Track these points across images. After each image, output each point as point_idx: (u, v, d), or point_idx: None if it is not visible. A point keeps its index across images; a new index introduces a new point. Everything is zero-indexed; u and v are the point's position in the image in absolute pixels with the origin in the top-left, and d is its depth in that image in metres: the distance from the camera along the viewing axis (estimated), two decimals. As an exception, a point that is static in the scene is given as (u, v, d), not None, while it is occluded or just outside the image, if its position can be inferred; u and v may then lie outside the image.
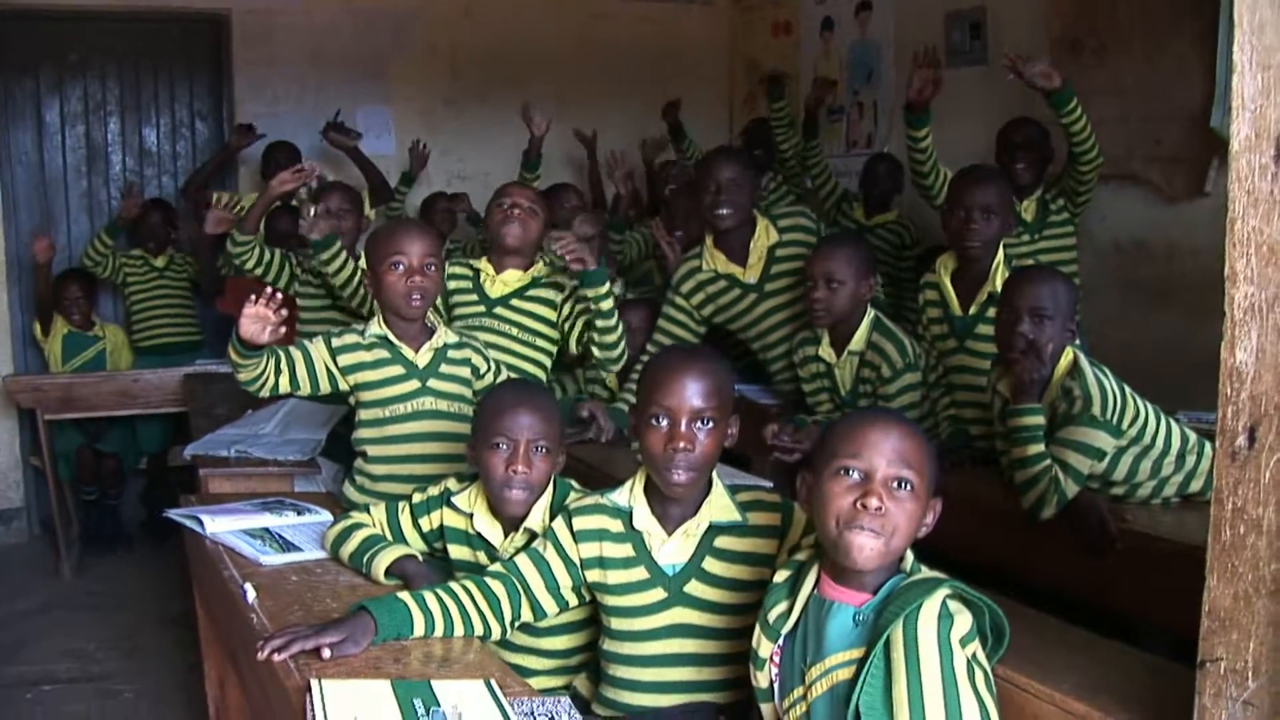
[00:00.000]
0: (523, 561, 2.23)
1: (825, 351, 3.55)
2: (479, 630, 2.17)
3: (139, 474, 5.76)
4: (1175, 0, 4.07)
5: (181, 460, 4.15)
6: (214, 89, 6.14)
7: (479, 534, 2.43)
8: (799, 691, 1.80)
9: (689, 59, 6.66)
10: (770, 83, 5.46)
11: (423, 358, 2.96)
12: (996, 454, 3.07)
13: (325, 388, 2.98)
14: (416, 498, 2.54)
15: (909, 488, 1.74)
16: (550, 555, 2.22)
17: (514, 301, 3.50)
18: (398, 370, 2.95)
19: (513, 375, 3.19)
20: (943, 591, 1.70)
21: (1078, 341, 2.95)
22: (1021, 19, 4.70)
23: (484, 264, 3.53)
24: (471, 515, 2.44)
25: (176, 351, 5.55)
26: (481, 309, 3.52)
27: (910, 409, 3.40)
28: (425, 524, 2.51)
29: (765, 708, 1.89)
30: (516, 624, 2.24)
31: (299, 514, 2.85)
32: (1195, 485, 2.89)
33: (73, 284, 5.46)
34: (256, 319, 2.69)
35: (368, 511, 2.57)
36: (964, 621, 1.69)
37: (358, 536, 2.46)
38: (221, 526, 2.71)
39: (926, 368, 3.50)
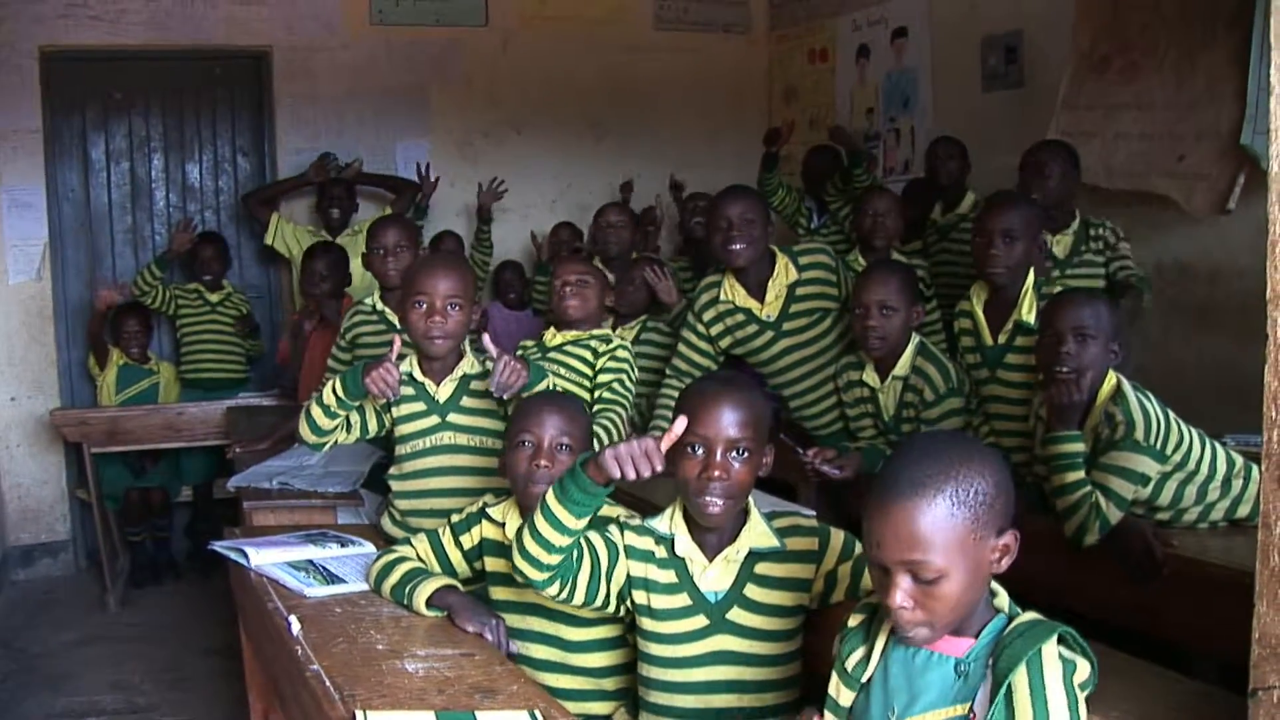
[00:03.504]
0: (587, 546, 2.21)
1: (869, 376, 3.54)
2: (560, 576, 2.13)
3: (184, 506, 5.81)
4: (1208, 18, 4.05)
5: (226, 493, 4.17)
6: (256, 125, 6.22)
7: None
8: None
9: (725, 88, 6.68)
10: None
11: (444, 390, 2.98)
12: (1039, 480, 3.05)
13: (374, 428, 3.03)
14: (455, 518, 2.57)
15: (940, 578, 1.57)
16: (602, 549, 2.20)
17: (567, 347, 3.62)
18: (419, 406, 2.99)
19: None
20: (1055, 636, 1.60)
21: (1120, 358, 2.92)
22: (1058, 42, 4.69)
23: (549, 331, 3.75)
24: (504, 525, 2.46)
25: (221, 387, 5.62)
26: (537, 353, 3.65)
27: (952, 435, 3.39)
28: (466, 541, 2.53)
29: None
30: (566, 590, 2.16)
31: (342, 546, 2.85)
32: (1243, 510, 2.86)
33: (131, 318, 5.55)
34: (389, 375, 2.80)
35: (410, 544, 2.58)
36: (1084, 667, 1.60)
37: (400, 570, 2.47)
38: (266, 559, 2.72)
39: (969, 394, 3.48)
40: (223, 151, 6.25)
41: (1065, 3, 4.62)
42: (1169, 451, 2.76)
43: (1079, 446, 2.80)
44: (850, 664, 1.75)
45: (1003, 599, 1.69)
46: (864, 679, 1.73)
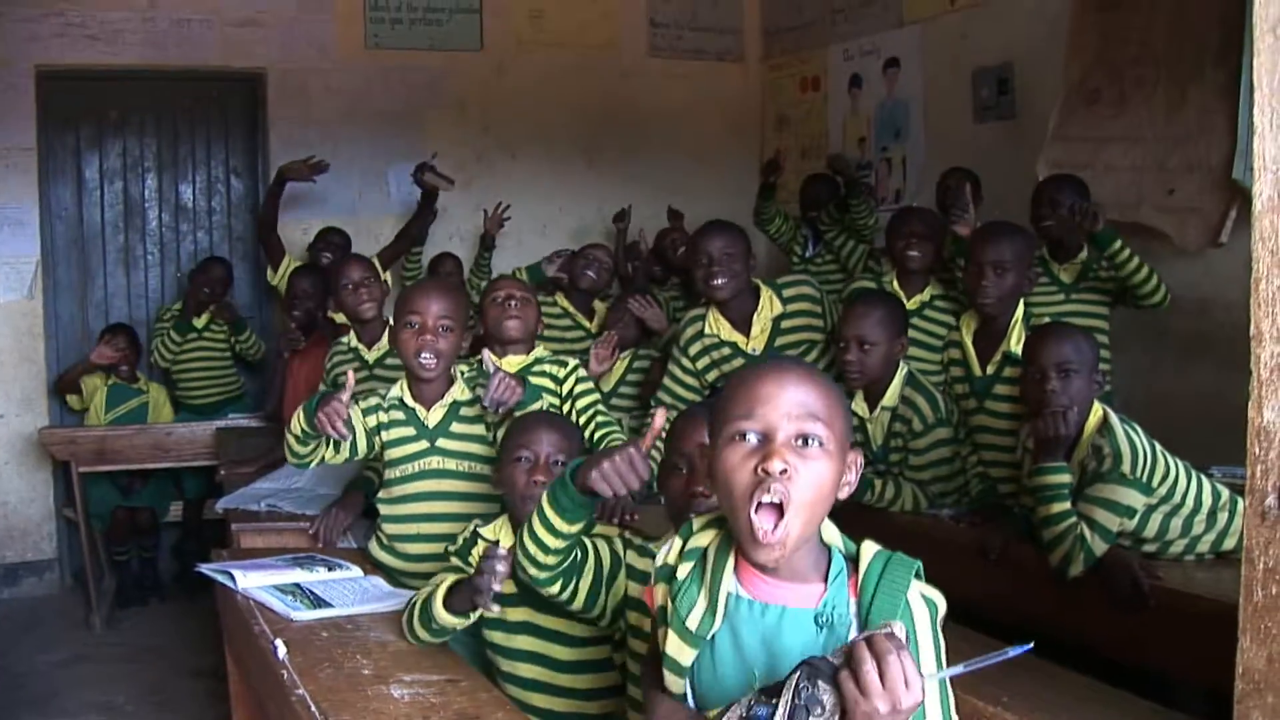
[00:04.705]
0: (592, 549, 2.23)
1: (858, 406, 3.55)
2: (563, 576, 2.15)
3: (172, 527, 5.80)
4: (1198, 52, 4.09)
5: (216, 514, 4.17)
6: (249, 146, 6.24)
7: None
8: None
9: (718, 116, 6.72)
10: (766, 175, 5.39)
11: (434, 415, 2.98)
12: (1026, 511, 3.06)
13: (363, 449, 3.02)
14: (452, 547, 2.56)
15: (817, 443, 1.51)
16: (607, 557, 2.23)
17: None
18: (409, 431, 2.98)
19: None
20: (915, 578, 1.54)
21: (1108, 388, 2.93)
22: (1049, 74, 4.72)
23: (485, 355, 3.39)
24: (497, 543, 2.46)
25: (215, 409, 5.64)
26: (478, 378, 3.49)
27: (941, 464, 3.41)
28: (472, 562, 2.52)
29: None
30: (569, 593, 2.18)
31: (330, 569, 2.85)
32: (1229, 543, 2.86)
33: (120, 337, 5.54)
34: (336, 415, 2.76)
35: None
36: (940, 602, 1.56)
37: (416, 605, 2.39)
38: (253, 581, 2.71)
39: (958, 424, 3.49)
40: (216, 172, 6.27)
41: (1056, 35, 4.66)
42: (1155, 484, 2.77)
43: (1064, 478, 2.81)
44: (692, 621, 1.60)
45: (832, 533, 1.60)
46: (709, 636, 1.60)
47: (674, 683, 1.63)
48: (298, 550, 3.15)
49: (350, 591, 2.67)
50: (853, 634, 1.51)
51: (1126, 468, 2.73)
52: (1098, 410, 2.88)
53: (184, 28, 5.79)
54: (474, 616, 2.31)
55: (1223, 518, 2.86)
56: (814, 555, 1.57)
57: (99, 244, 6.10)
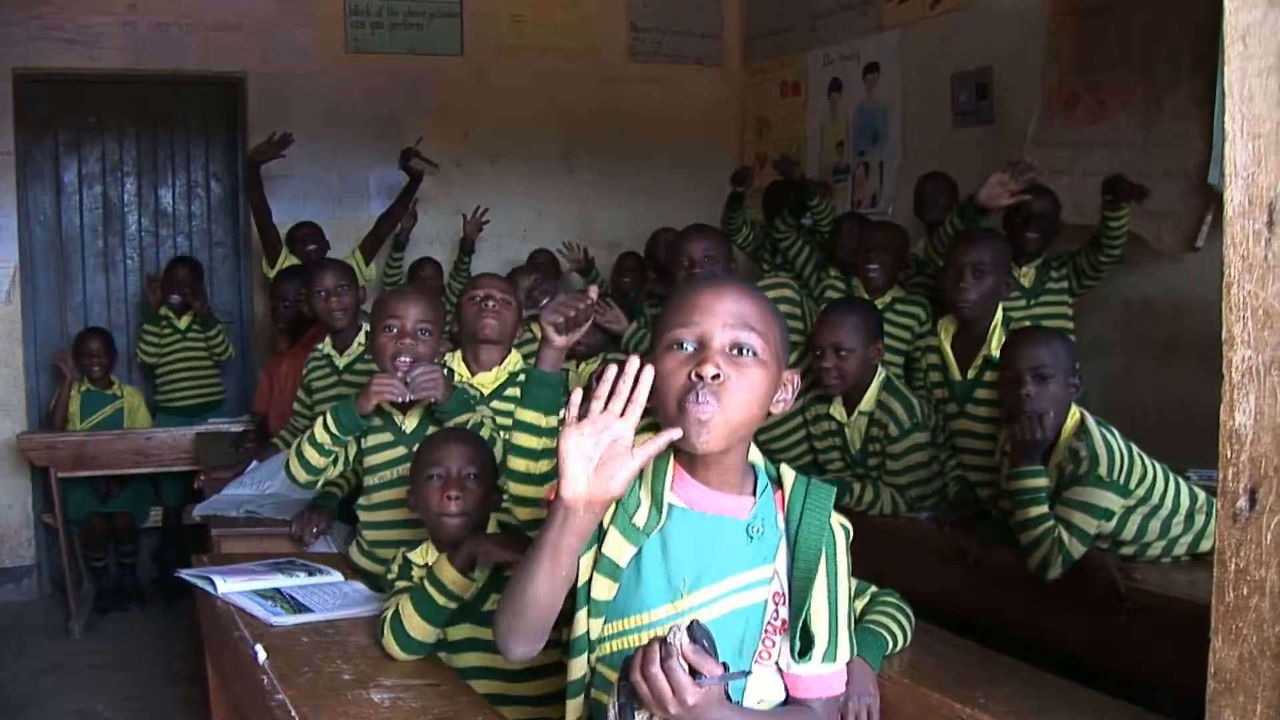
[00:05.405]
0: None
1: (836, 411, 3.57)
2: None
3: (152, 532, 5.77)
4: (1173, 59, 4.13)
5: (192, 520, 4.15)
6: (229, 150, 6.22)
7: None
8: (663, 610, 1.61)
9: (698, 120, 6.73)
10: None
11: (410, 421, 2.99)
12: (1005, 514, 3.07)
13: (351, 456, 3.05)
14: (391, 575, 2.50)
15: (751, 353, 1.58)
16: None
17: (494, 403, 3.21)
18: (387, 437, 3.00)
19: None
20: (834, 511, 1.69)
21: (1080, 391, 2.96)
22: (1027, 79, 4.75)
23: (457, 363, 3.30)
24: (428, 566, 2.45)
25: (199, 412, 5.61)
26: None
27: (918, 468, 3.42)
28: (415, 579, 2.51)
29: (595, 623, 1.66)
30: None
31: (310, 575, 2.84)
32: (1206, 544, 2.88)
33: (93, 340, 5.49)
34: (387, 381, 2.84)
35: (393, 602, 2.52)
36: (850, 527, 1.72)
37: (407, 610, 2.33)
38: (233, 587, 2.71)
39: (936, 428, 3.51)
40: (196, 176, 6.25)
41: (1035, 41, 4.69)
42: (1132, 486, 2.79)
43: (1042, 481, 2.83)
44: (639, 517, 1.63)
45: (755, 454, 1.69)
46: (652, 534, 1.64)
47: (604, 588, 1.65)
48: (278, 555, 3.15)
49: (330, 596, 2.67)
50: (781, 549, 1.64)
51: (1103, 470, 2.75)
52: (1075, 413, 2.89)
53: (163, 31, 5.78)
54: (475, 576, 2.32)
55: (1200, 520, 2.88)
56: (743, 469, 1.66)
57: (78, 248, 6.07)
